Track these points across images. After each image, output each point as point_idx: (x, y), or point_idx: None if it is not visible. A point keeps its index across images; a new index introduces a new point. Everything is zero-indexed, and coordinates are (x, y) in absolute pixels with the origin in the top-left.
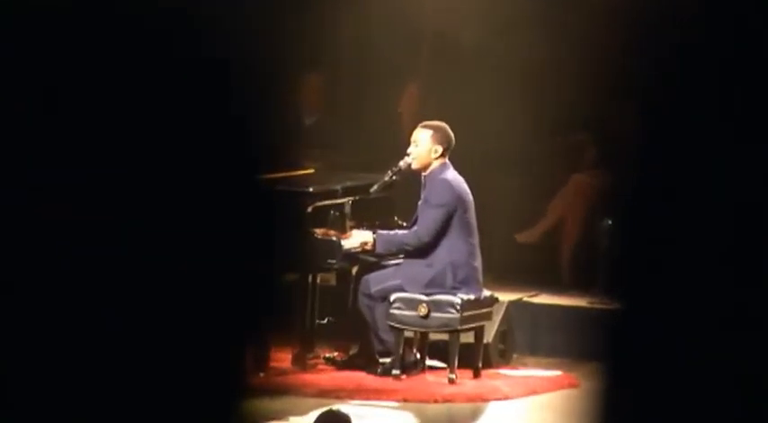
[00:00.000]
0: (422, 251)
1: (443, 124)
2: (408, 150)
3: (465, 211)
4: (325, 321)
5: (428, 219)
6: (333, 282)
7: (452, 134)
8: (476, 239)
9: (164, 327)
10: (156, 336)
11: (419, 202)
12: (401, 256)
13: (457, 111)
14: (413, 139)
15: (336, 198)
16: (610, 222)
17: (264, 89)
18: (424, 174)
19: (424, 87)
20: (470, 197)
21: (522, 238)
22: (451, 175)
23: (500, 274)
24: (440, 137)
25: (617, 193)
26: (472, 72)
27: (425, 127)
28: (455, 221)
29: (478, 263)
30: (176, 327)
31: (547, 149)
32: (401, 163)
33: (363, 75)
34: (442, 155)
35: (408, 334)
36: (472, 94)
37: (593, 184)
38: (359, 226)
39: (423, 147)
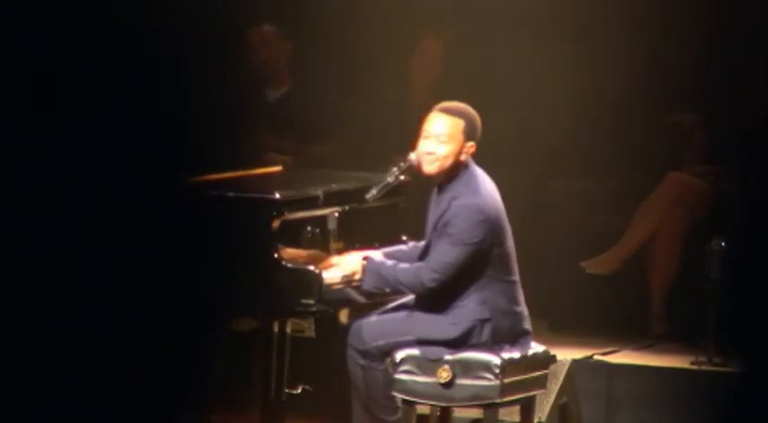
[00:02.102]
0: (434, 300)
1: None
2: (420, 142)
3: (502, 242)
4: (299, 391)
5: (444, 259)
6: (310, 332)
7: (475, 120)
8: (516, 273)
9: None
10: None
11: (431, 224)
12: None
13: (496, 77)
14: (425, 127)
15: (315, 209)
16: (723, 244)
17: (205, 49)
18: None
19: (444, 41)
20: (504, 214)
21: (592, 267)
22: (482, 192)
23: (559, 320)
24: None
25: (735, 200)
26: (521, 23)
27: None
28: (491, 258)
29: (523, 306)
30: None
31: (628, 136)
32: (411, 156)
33: (353, 25)
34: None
35: (423, 410)
36: (519, 53)
37: (699, 188)
38: (349, 249)
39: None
